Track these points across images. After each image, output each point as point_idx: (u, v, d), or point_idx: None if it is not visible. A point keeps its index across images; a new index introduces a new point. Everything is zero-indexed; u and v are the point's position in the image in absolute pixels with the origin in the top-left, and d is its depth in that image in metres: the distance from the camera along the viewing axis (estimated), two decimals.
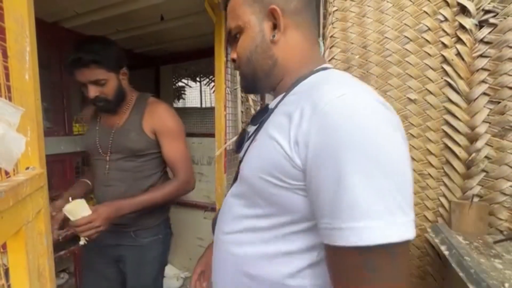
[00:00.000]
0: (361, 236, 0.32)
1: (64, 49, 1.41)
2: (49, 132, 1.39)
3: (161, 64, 2.17)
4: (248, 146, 0.52)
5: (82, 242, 0.90)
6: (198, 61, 2.07)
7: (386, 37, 0.91)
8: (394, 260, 0.33)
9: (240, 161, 0.54)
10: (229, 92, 1.23)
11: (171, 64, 2.16)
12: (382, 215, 0.32)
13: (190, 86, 2.83)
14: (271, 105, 0.53)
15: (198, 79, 2.71)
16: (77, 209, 0.88)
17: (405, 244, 0.33)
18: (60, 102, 1.41)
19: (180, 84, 2.51)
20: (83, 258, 1.12)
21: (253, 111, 1.24)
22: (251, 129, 0.55)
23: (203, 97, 2.65)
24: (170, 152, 1.03)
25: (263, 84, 0.53)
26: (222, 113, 1.18)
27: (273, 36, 0.48)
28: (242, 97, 1.27)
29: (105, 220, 0.90)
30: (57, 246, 1.48)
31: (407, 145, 0.37)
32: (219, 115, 1.18)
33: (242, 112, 1.29)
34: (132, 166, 1.03)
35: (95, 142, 1.01)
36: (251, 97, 1.24)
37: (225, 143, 1.19)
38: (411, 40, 0.89)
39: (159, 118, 1.02)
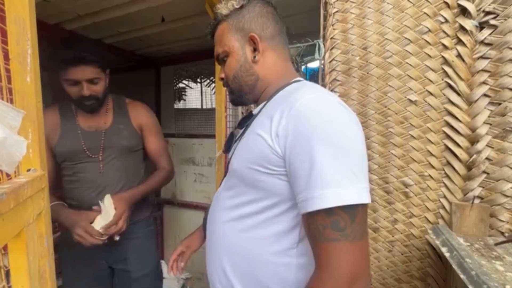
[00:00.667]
0: (327, 200, 0.42)
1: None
2: None
3: (162, 65, 2.17)
4: (236, 146, 0.60)
5: (117, 237, 0.95)
6: (198, 62, 2.08)
7: (386, 39, 0.91)
8: (354, 221, 0.42)
9: (229, 160, 0.62)
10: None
11: (172, 65, 2.17)
12: (344, 184, 0.42)
13: (191, 87, 2.84)
14: (255, 112, 0.62)
15: (199, 80, 2.72)
16: (109, 209, 0.92)
17: (362, 207, 0.43)
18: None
19: (180, 85, 2.52)
20: (71, 265, 1.06)
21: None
22: (238, 132, 0.64)
23: (203, 98, 2.65)
24: (155, 146, 1.13)
25: (248, 97, 0.63)
26: (223, 114, 1.18)
27: (254, 57, 0.60)
28: None
29: (129, 207, 0.98)
30: (58, 247, 1.48)
31: (363, 136, 0.49)
32: (220, 116, 1.18)
33: (242, 113, 1.29)
34: (125, 164, 1.07)
35: (81, 145, 1.00)
36: None
37: None
38: (411, 42, 0.89)
39: (144, 115, 1.12)
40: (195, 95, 2.61)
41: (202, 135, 2.09)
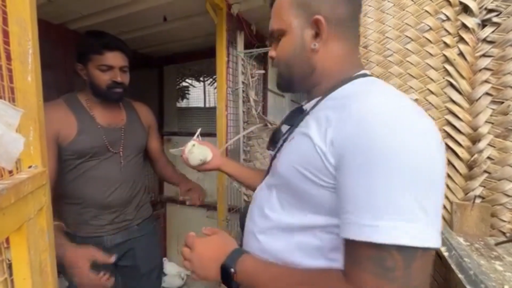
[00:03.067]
0: (379, 234, 0.34)
1: (69, 50, 1.43)
2: None
3: (165, 64, 2.19)
4: (282, 144, 0.54)
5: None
6: (201, 61, 2.08)
7: (387, 37, 0.90)
8: (411, 267, 0.34)
9: (273, 158, 0.57)
10: (230, 92, 1.24)
11: (175, 64, 2.18)
12: (405, 219, 0.34)
13: (194, 86, 2.85)
14: (306, 107, 0.54)
15: (201, 79, 2.72)
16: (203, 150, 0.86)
17: (424, 251, 0.34)
18: None
19: (183, 84, 2.53)
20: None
21: (254, 111, 1.25)
22: (284, 128, 0.57)
23: (206, 97, 2.66)
24: (158, 144, 1.21)
25: (298, 87, 0.56)
26: (224, 113, 1.19)
27: (314, 45, 0.49)
28: (243, 97, 1.28)
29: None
30: None
31: (444, 160, 0.39)
32: (221, 115, 1.19)
33: (243, 112, 1.30)
34: (138, 161, 1.11)
35: (103, 141, 0.98)
36: (252, 97, 1.25)
37: (226, 142, 1.21)
38: (412, 40, 0.88)
39: (150, 115, 1.18)
40: (198, 93, 2.62)
41: (205, 134, 2.10)
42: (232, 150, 1.32)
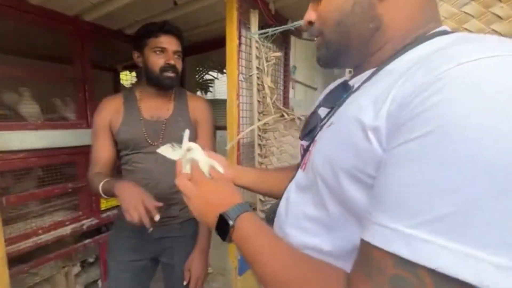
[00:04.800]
0: (423, 255, 0.23)
1: (86, 42, 1.43)
2: (72, 124, 1.45)
3: (185, 55, 2.13)
4: (318, 131, 0.43)
5: (157, 217, 0.82)
6: (221, 50, 1.98)
7: None
8: None
9: (305, 150, 0.46)
10: (243, 80, 1.12)
11: (195, 54, 2.12)
12: (470, 241, 0.22)
13: (218, 78, 2.77)
14: (353, 82, 0.41)
15: (225, 70, 2.63)
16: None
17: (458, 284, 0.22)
18: (83, 95, 1.44)
19: (205, 74, 2.47)
20: (112, 253, 1.06)
21: (268, 100, 1.11)
22: (323, 112, 0.45)
23: None
24: (208, 143, 1.08)
25: (352, 56, 0.42)
26: (235, 102, 1.07)
27: None
28: (258, 85, 1.14)
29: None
30: (82, 235, 1.55)
31: None
32: (231, 105, 1.07)
33: (258, 101, 1.17)
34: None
35: (142, 133, 0.99)
36: (268, 84, 1.11)
37: (238, 135, 1.09)
38: (472, 0, 0.66)
39: (201, 110, 1.08)
40: (221, 84, 2.54)
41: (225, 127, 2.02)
42: (245, 144, 1.20)
